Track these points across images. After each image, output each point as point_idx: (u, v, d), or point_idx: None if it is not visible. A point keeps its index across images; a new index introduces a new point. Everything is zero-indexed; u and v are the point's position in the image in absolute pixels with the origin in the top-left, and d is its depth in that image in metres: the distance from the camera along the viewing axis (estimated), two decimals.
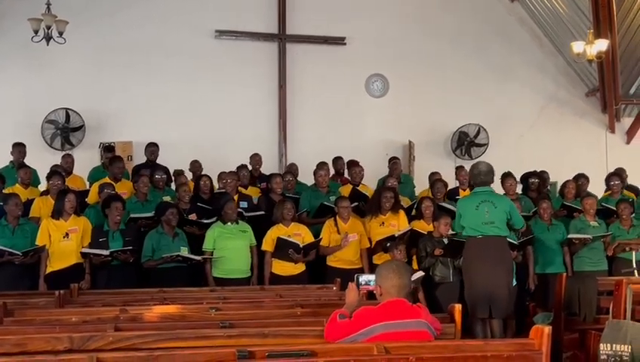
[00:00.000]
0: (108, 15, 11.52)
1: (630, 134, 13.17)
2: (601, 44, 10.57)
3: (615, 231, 7.81)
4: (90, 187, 8.40)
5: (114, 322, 4.02)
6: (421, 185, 9.87)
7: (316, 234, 7.47)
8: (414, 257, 7.28)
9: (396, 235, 7.21)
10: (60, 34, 9.88)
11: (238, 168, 8.78)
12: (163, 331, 3.59)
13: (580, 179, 8.87)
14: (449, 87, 12.52)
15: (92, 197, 7.95)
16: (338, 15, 12.24)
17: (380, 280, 3.69)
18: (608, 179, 8.74)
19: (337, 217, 7.46)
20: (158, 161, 9.48)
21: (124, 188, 8.07)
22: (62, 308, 4.97)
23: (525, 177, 8.95)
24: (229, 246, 7.10)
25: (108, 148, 10.12)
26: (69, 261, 6.82)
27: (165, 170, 8.88)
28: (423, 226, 7.48)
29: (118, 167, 8.26)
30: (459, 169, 9.59)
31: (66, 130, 11.27)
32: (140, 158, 10.11)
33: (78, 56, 11.30)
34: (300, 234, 7.26)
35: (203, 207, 7.87)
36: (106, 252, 6.71)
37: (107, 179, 8.08)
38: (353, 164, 9.10)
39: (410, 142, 12.23)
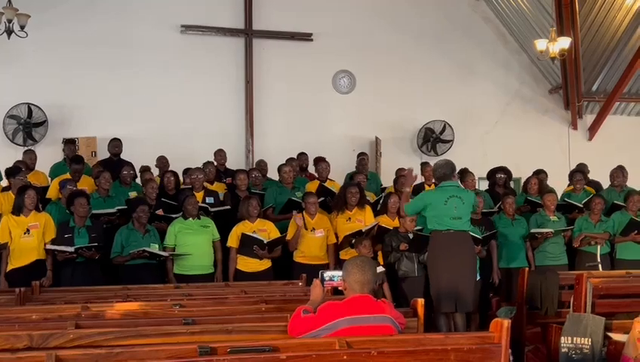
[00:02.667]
0: (72, 8, 11.31)
1: (592, 131, 13.38)
2: (564, 42, 10.73)
3: (583, 224, 7.95)
4: (51, 183, 8.26)
5: (75, 319, 3.95)
6: (388, 182, 9.88)
7: (283, 230, 7.45)
8: (379, 253, 7.32)
9: (363, 230, 7.22)
10: (22, 28, 9.64)
11: (204, 164, 8.74)
12: (125, 328, 3.54)
13: (540, 175, 8.99)
14: (415, 83, 12.59)
15: (52, 193, 7.83)
16: (305, 11, 12.22)
17: (345, 275, 3.70)
18: (572, 175, 8.87)
19: (304, 213, 7.45)
20: (124, 156, 9.37)
21: (84, 183, 7.95)
22: (22, 306, 4.90)
23: (492, 173, 9.04)
24: (190, 242, 7.05)
25: (69, 141, 9.91)
26: (30, 258, 6.73)
27: (130, 165, 8.77)
28: (387, 221, 7.51)
29: (76, 169, 8.08)
30: (424, 165, 9.66)
31: (28, 125, 11.07)
32: (104, 154, 9.98)
33: (41, 51, 11.09)
34: (265, 230, 7.24)
35: (168, 203, 7.82)
36: (70, 248, 6.63)
37: (68, 175, 7.96)
38: (320, 160, 9.12)
39: (376, 138, 12.28)
